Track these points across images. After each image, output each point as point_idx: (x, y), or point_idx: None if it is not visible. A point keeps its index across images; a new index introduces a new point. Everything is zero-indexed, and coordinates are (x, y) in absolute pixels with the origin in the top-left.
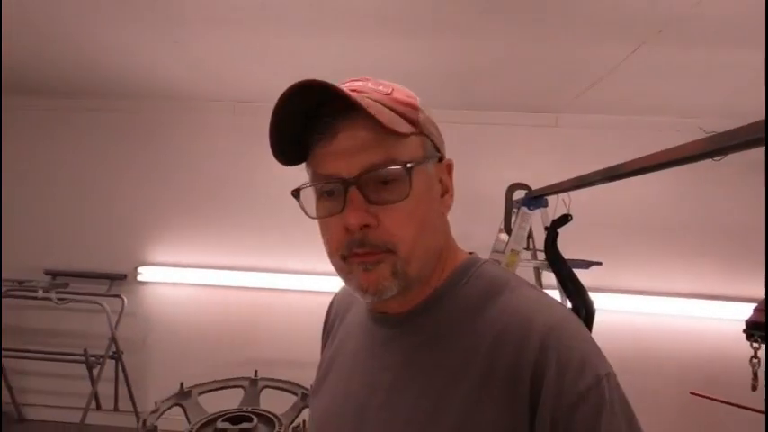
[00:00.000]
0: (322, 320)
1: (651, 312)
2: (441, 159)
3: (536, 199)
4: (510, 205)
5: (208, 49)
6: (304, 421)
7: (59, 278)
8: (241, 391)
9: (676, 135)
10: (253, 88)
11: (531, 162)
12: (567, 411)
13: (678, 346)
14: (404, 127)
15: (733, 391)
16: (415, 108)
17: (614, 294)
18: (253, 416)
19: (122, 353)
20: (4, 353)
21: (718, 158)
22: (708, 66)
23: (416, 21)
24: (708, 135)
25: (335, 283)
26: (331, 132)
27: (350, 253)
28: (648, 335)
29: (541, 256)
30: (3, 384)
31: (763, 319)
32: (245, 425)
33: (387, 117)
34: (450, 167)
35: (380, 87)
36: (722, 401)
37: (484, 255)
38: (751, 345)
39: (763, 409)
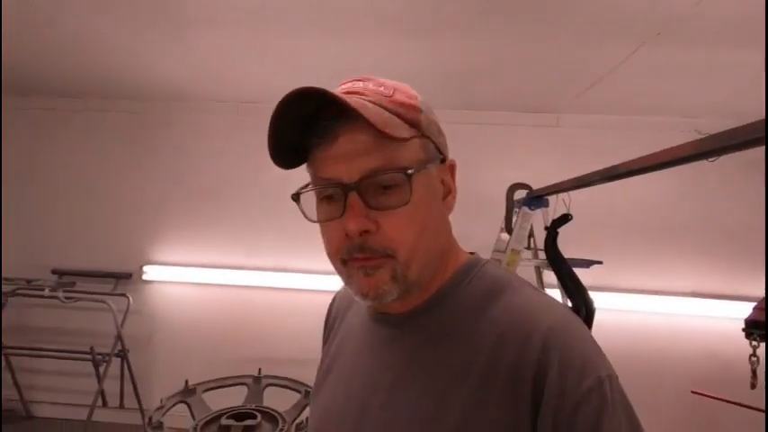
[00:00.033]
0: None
1: (651, 311)
2: (443, 161)
3: (537, 199)
4: (511, 205)
5: (208, 49)
6: (307, 419)
7: (66, 277)
8: (245, 388)
9: (676, 135)
10: (253, 88)
11: (531, 162)
12: (570, 412)
13: (678, 345)
14: (404, 131)
15: (733, 390)
16: (416, 110)
17: (614, 293)
18: (256, 413)
19: (128, 351)
20: (12, 351)
21: (712, 159)
22: (708, 66)
23: (416, 21)
24: (702, 137)
25: (339, 282)
26: (331, 136)
27: (350, 257)
28: (649, 334)
29: (542, 255)
30: (6, 382)
31: (762, 318)
32: (248, 422)
33: (386, 122)
34: (453, 168)
35: (382, 89)
36: (723, 400)
37: (485, 254)
38: (750, 343)
39: (764, 407)
